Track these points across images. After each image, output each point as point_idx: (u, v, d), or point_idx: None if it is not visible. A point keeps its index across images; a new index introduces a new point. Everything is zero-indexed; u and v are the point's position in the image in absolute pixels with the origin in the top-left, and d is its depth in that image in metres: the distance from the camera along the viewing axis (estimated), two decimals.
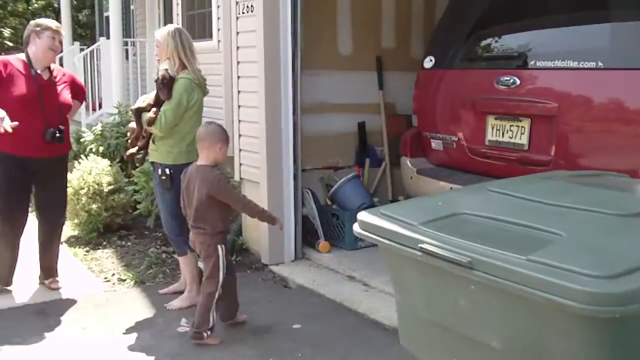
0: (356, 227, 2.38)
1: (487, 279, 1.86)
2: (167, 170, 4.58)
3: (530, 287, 1.90)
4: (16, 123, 4.35)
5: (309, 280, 5.26)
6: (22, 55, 4.79)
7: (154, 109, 4.50)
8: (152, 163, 4.79)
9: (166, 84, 4.46)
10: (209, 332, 4.09)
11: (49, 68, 4.83)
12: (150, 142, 4.69)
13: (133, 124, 4.77)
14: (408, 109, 6.30)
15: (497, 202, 2.34)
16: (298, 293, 5.11)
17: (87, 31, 18.48)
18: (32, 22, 4.88)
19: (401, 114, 6.43)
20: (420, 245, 2.01)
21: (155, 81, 4.53)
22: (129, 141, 4.85)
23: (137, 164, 6.22)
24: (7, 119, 4.35)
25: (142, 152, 4.79)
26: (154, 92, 4.61)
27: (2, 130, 4.31)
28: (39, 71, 4.75)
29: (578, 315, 1.84)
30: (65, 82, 4.93)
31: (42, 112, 4.67)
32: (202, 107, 4.68)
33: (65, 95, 4.88)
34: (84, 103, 5.73)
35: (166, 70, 4.49)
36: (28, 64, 4.73)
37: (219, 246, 4.10)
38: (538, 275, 1.90)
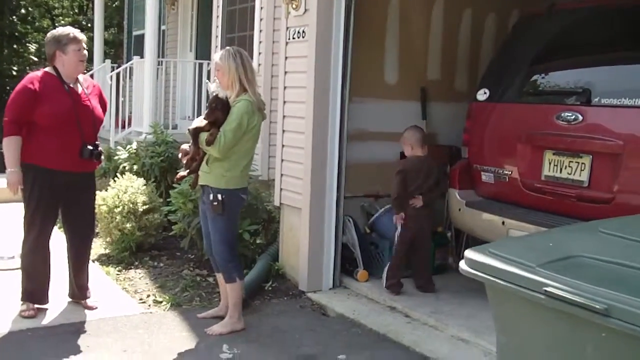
0: (463, 265, 2.32)
1: (624, 326, 1.81)
2: (220, 196, 4.45)
3: None
4: None
5: (349, 309, 5.17)
6: (50, 69, 4.67)
7: (212, 129, 4.39)
8: (202, 186, 4.64)
9: (223, 107, 4.39)
10: None
11: (77, 79, 4.73)
12: (203, 164, 4.57)
13: (185, 145, 4.64)
14: (450, 139, 6.31)
15: (615, 245, 2.29)
16: (339, 322, 5.02)
17: (112, 49, 18.64)
18: (50, 36, 4.70)
19: (443, 144, 6.39)
20: (544, 288, 1.96)
21: (210, 104, 4.45)
22: (184, 163, 4.70)
23: (174, 185, 6.17)
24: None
25: (193, 174, 4.68)
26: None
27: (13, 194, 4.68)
28: (71, 85, 4.66)
29: None
30: (95, 95, 4.85)
31: (78, 127, 4.60)
32: (259, 132, 4.61)
33: (99, 110, 4.82)
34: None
35: (215, 93, 4.45)
36: (59, 79, 4.62)
37: None
38: None
